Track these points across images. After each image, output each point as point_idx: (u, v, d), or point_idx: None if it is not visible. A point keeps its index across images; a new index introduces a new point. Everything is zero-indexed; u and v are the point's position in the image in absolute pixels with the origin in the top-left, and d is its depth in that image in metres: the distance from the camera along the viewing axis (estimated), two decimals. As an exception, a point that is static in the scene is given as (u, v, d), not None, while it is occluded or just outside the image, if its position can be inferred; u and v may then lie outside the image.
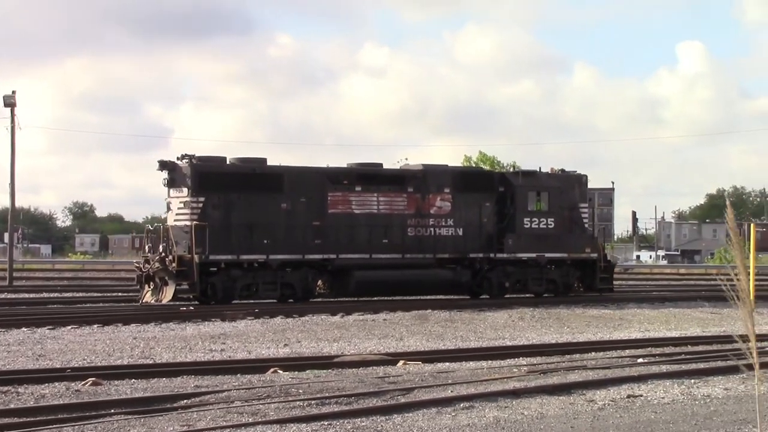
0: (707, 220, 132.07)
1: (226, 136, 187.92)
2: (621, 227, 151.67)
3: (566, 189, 33.60)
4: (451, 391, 13.72)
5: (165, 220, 30.12)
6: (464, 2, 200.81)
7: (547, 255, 32.79)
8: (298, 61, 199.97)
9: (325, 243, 29.97)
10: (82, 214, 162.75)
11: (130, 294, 34.58)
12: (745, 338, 7.88)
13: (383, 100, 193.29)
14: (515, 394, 13.46)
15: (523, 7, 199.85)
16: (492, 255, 32.20)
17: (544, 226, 32.82)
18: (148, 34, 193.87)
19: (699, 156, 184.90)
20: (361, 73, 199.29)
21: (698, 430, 11.29)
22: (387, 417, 11.84)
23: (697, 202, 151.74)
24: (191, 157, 28.77)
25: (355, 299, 30.18)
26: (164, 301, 28.34)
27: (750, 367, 7.97)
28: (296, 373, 15.92)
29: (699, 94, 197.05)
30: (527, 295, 32.65)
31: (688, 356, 17.94)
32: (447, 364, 17.12)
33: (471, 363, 17.30)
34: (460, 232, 31.91)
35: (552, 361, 17.58)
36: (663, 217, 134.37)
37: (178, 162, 28.96)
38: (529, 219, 32.63)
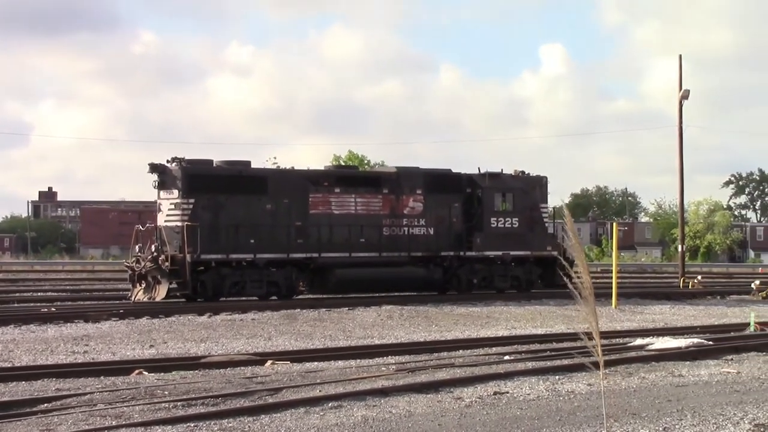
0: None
1: (88, 133, 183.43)
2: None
3: (528, 190, 35.49)
4: (320, 391, 13.65)
5: (155, 220, 30.72)
6: (330, 2, 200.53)
7: (512, 253, 34.58)
8: (163, 59, 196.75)
9: (307, 242, 31.20)
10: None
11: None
12: (590, 336, 7.98)
13: (250, 98, 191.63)
14: (384, 392, 13.47)
15: (389, 9, 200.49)
16: (462, 253, 33.78)
17: (509, 226, 34.60)
18: (4, 28, 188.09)
19: (563, 156, 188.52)
20: (228, 72, 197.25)
21: (562, 425, 11.46)
22: (254, 417, 11.71)
23: (561, 202, 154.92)
24: (181, 160, 29.68)
25: (222, 300, 29.96)
26: (158, 299, 28.82)
27: (597, 364, 8.09)
28: (162, 374, 15.66)
29: (561, 96, 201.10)
30: (491, 291, 34.14)
31: (553, 353, 18.23)
32: (316, 363, 17.05)
33: (340, 362, 17.26)
34: (432, 232, 33.45)
35: (420, 359, 17.67)
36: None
37: (168, 165, 29.76)
38: (495, 219, 34.33)
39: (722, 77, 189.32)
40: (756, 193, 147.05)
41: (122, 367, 16.27)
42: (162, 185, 29.82)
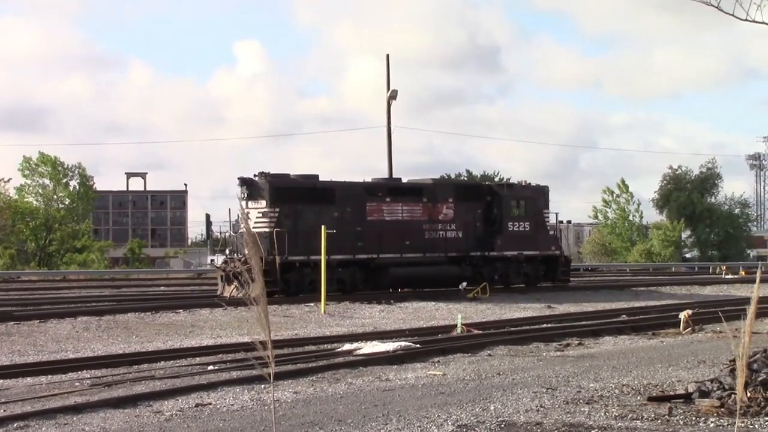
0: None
1: None
2: (195, 231, 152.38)
3: (536, 198, 40.94)
4: (4, 411, 12.72)
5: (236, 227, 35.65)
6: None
7: (525, 252, 39.77)
8: None
9: (366, 245, 35.52)
10: None
11: None
12: (266, 345, 7.68)
13: None
14: (76, 409, 12.72)
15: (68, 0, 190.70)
16: (486, 253, 38.93)
17: (523, 229, 39.82)
18: None
19: (264, 157, 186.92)
20: None
21: (267, 436, 10.96)
22: (-76, 445, 10.52)
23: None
24: (266, 174, 34.31)
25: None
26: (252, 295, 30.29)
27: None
28: None
29: (259, 95, 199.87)
30: (498, 286, 38.56)
31: (258, 361, 17.67)
32: (0, 381, 15.74)
33: (28, 379, 16.07)
34: (461, 235, 38.38)
35: (118, 372, 16.73)
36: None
37: (256, 179, 34.29)
38: (512, 223, 39.50)
39: (420, 78, 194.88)
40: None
41: None
42: (250, 196, 34.02)
